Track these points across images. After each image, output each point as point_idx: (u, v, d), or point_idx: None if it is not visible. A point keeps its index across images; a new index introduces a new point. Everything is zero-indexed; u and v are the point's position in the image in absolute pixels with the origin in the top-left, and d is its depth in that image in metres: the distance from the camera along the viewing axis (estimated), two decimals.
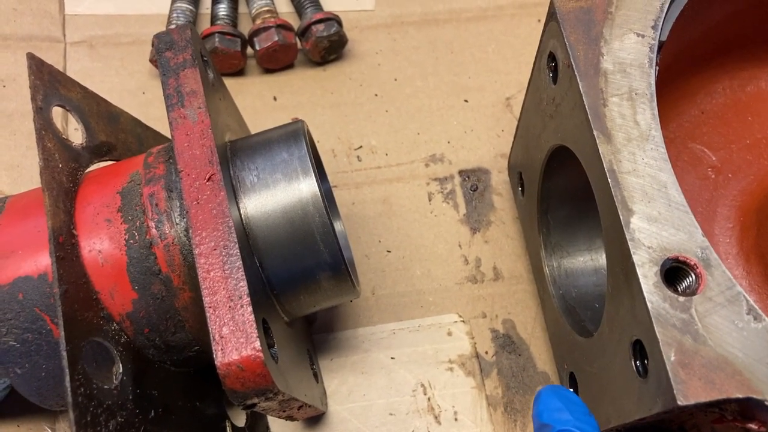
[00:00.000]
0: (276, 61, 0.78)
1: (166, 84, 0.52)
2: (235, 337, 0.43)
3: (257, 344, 0.43)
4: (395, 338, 0.67)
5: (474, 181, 0.75)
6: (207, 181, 0.48)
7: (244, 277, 0.45)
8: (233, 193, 0.51)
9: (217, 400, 0.58)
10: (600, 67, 0.51)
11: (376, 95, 0.79)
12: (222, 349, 0.43)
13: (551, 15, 0.54)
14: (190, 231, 0.46)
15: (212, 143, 0.49)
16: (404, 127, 0.77)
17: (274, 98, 0.78)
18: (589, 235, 0.65)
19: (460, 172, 0.75)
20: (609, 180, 0.47)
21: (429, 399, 0.64)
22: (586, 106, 0.49)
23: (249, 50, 0.79)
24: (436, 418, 0.63)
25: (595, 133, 0.48)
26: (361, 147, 0.76)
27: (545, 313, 0.67)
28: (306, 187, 0.51)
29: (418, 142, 0.77)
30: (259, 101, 0.78)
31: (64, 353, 0.43)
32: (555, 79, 0.55)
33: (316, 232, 0.51)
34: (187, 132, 0.50)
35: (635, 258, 0.45)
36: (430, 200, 0.74)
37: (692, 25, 0.58)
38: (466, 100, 0.79)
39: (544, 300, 0.66)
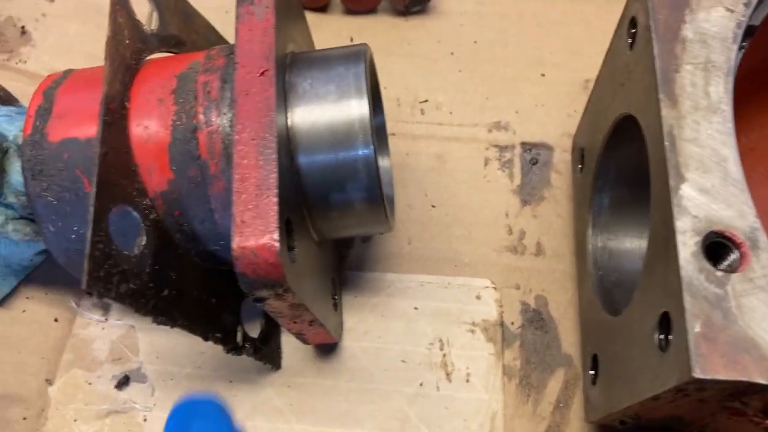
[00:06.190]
0: (360, 3, 0.78)
1: None
2: (255, 223, 0.43)
3: (276, 234, 0.43)
4: (422, 290, 0.66)
5: (535, 155, 0.73)
6: (260, 75, 0.48)
7: (276, 170, 0.45)
8: (284, 98, 0.51)
9: (235, 309, 0.58)
10: (680, 33, 0.48)
11: (452, 54, 0.78)
12: (241, 233, 0.43)
13: None
14: (234, 120, 0.47)
15: (272, 41, 0.49)
16: (474, 90, 0.76)
17: (351, 39, 0.78)
18: (640, 221, 0.62)
19: (523, 144, 0.73)
20: (666, 143, 0.44)
21: (444, 355, 0.63)
22: (657, 69, 0.47)
23: None
24: (447, 375, 0.62)
25: (660, 95, 0.46)
26: (426, 101, 0.75)
27: (581, 295, 0.64)
28: (356, 104, 0.51)
29: (486, 107, 0.75)
30: (335, 39, 0.78)
31: (91, 208, 0.44)
32: (632, 45, 0.53)
33: (358, 152, 0.50)
34: (251, 27, 0.50)
35: (677, 224, 0.42)
36: (485, 165, 0.72)
37: None
38: (543, 74, 0.77)
39: (582, 281, 0.64)
